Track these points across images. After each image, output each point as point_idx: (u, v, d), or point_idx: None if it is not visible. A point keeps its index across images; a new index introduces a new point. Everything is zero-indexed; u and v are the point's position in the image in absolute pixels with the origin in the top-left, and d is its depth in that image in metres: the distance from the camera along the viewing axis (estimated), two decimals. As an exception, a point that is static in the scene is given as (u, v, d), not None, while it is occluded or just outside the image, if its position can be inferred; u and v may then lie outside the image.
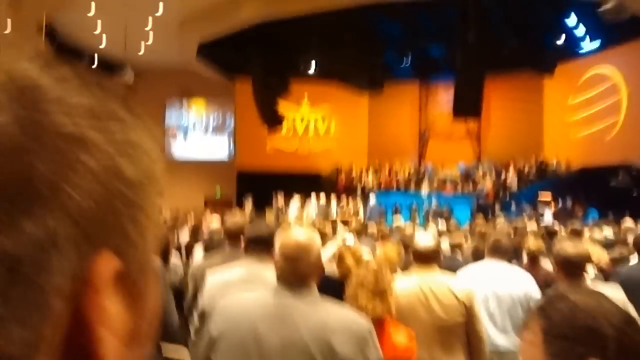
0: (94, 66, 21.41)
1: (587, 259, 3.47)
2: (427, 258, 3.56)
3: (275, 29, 18.85)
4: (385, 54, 22.97)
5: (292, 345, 1.94)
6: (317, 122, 25.24)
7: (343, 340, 1.94)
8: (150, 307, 0.42)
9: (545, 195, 17.54)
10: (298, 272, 2.05)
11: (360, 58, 21.39)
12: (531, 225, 9.59)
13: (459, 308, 3.42)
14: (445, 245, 6.77)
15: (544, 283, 4.23)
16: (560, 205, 17.04)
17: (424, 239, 3.67)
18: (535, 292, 4.01)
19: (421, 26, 21.17)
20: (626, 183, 16.42)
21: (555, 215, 15.94)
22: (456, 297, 3.44)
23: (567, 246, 3.36)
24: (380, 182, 22.63)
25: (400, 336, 2.71)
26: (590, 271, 4.88)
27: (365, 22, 20.74)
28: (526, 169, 20.86)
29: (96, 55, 20.98)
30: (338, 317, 2.03)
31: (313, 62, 22.19)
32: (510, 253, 4.59)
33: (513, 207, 18.11)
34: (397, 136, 24.26)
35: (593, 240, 6.49)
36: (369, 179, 22.61)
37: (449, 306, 3.41)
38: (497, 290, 4.06)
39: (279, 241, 2.11)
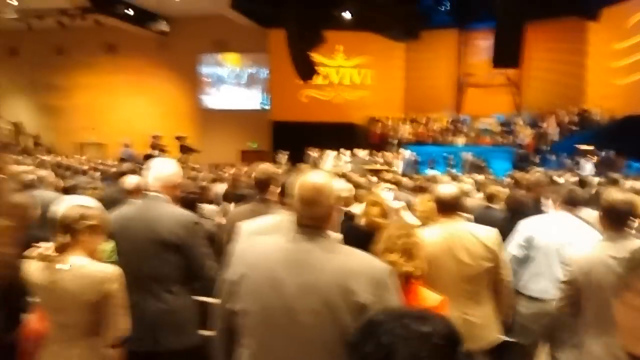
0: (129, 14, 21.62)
1: (634, 207, 3.25)
2: (450, 207, 3.51)
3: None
4: (421, 1, 22.36)
5: (311, 290, 1.93)
6: (352, 73, 24.95)
7: (362, 284, 1.91)
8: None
9: (586, 147, 17.05)
10: (315, 216, 2.02)
11: (396, 7, 20.84)
12: (568, 177, 9.37)
13: (485, 254, 3.39)
14: (481, 197, 6.72)
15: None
16: (601, 156, 16.55)
17: (447, 188, 3.62)
18: None
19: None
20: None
21: (596, 167, 15.54)
22: (482, 243, 3.40)
23: (614, 193, 3.21)
24: (417, 133, 22.40)
25: (429, 293, 2.69)
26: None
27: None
28: (567, 119, 20.28)
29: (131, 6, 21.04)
30: (357, 260, 2.01)
31: (348, 13, 21.78)
32: (583, 204, 4.45)
33: (553, 159, 17.73)
34: (433, 86, 23.77)
35: (634, 191, 6.29)
36: (405, 131, 22.38)
37: (475, 252, 3.38)
38: (572, 239, 3.87)
39: (296, 185, 2.08)
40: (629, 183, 7.22)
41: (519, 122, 21.32)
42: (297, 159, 18.78)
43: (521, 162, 17.46)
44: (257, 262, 2.05)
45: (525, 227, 4.18)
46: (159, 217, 3.22)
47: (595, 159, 16.35)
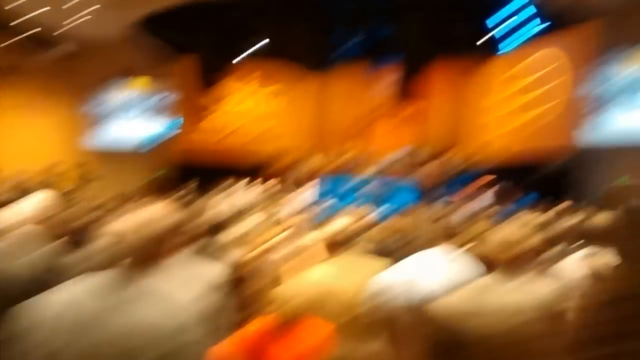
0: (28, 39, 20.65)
1: (520, 245, 3.41)
2: (339, 244, 3.52)
3: (221, 6, 18.49)
4: (333, 34, 22.87)
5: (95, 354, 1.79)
6: (264, 101, 24.91)
7: (145, 345, 1.80)
8: None
9: (482, 180, 17.86)
10: (134, 252, 1.91)
11: (308, 37, 21.20)
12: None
13: (374, 291, 3.40)
14: (380, 231, 6.84)
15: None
16: (497, 189, 17.37)
17: (336, 224, 3.63)
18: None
19: (371, 6, 21.16)
20: (566, 167, 16.90)
21: (493, 200, 16.27)
22: (370, 280, 3.42)
23: (500, 231, 3.35)
24: (327, 164, 22.56)
25: (318, 325, 2.65)
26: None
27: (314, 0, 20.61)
28: (467, 153, 21.19)
29: (30, 28, 20.10)
30: (147, 316, 1.86)
31: (260, 42, 21.90)
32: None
33: (453, 191, 18.36)
34: (343, 118, 24.12)
35: (523, 224, 6.58)
36: (315, 162, 22.51)
37: (363, 290, 3.38)
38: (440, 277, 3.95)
39: (121, 220, 1.96)
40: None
41: (423, 154, 22.01)
42: (206, 188, 18.43)
43: (425, 194, 17.97)
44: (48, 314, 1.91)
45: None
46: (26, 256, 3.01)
47: (493, 190, 17.12)
